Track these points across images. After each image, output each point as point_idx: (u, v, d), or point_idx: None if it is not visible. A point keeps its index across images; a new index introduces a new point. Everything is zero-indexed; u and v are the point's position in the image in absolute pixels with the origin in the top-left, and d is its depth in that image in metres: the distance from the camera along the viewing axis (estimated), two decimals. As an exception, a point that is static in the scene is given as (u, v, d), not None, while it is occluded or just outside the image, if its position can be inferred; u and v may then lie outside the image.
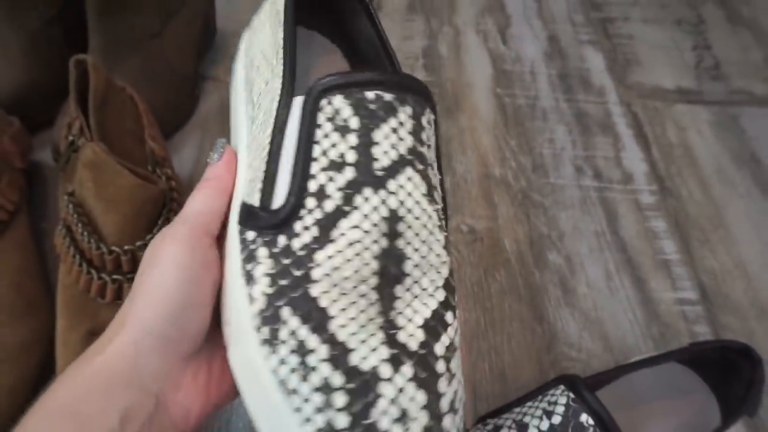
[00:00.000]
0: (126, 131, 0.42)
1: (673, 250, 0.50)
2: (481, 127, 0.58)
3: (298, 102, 0.25)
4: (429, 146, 0.26)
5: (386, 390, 0.22)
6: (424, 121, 0.25)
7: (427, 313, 0.24)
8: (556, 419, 0.31)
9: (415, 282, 0.24)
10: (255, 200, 0.25)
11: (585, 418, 0.31)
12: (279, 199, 0.24)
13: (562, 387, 0.33)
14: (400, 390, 0.22)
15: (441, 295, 0.24)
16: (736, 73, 0.65)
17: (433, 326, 0.24)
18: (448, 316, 0.24)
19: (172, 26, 0.54)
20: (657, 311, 0.46)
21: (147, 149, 0.42)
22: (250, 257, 0.24)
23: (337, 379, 0.22)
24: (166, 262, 0.24)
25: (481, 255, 0.49)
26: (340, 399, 0.21)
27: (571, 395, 0.32)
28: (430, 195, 0.25)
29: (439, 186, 0.27)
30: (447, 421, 0.22)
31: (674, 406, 0.39)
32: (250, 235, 0.24)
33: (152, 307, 0.23)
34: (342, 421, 0.21)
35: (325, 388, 0.21)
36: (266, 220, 0.24)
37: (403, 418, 0.21)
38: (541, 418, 0.32)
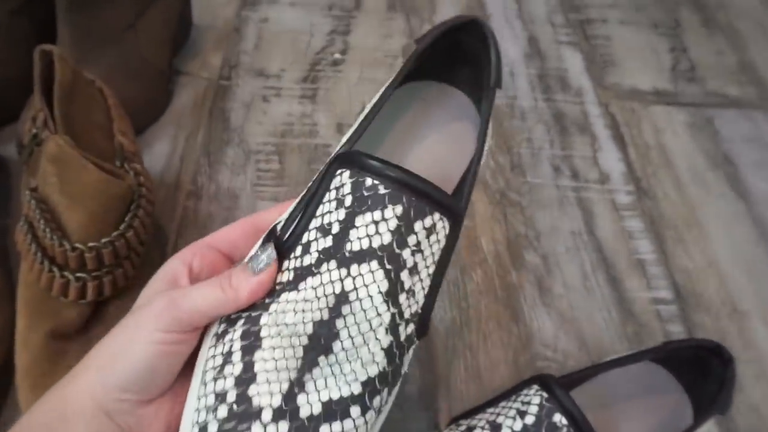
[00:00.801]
0: (94, 125, 0.41)
1: (648, 250, 0.50)
2: (460, 126, 0.58)
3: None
4: (416, 251, 0.27)
5: (255, 430, 0.24)
6: (417, 226, 0.26)
7: (335, 396, 0.25)
8: (530, 419, 0.31)
9: (338, 363, 0.26)
10: (279, 224, 0.29)
11: (558, 417, 0.31)
12: (288, 234, 0.28)
13: (535, 387, 0.32)
14: None
15: (357, 388, 0.26)
16: (711, 75, 0.66)
17: (333, 411, 0.25)
18: (354, 411, 0.26)
19: (147, 18, 0.53)
20: (632, 310, 0.47)
21: (116, 144, 0.41)
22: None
23: (231, 396, 0.25)
24: (145, 332, 0.25)
25: (458, 254, 0.49)
26: (221, 411, 0.25)
27: (545, 395, 0.32)
28: (391, 296, 0.26)
29: (421, 293, 0.28)
30: None
31: (648, 406, 0.39)
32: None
33: (121, 367, 0.25)
34: (212, 428, 0.24)
35: (220, 397, 0.25)
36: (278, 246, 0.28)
37: None
38: (514, 418, 0.31)
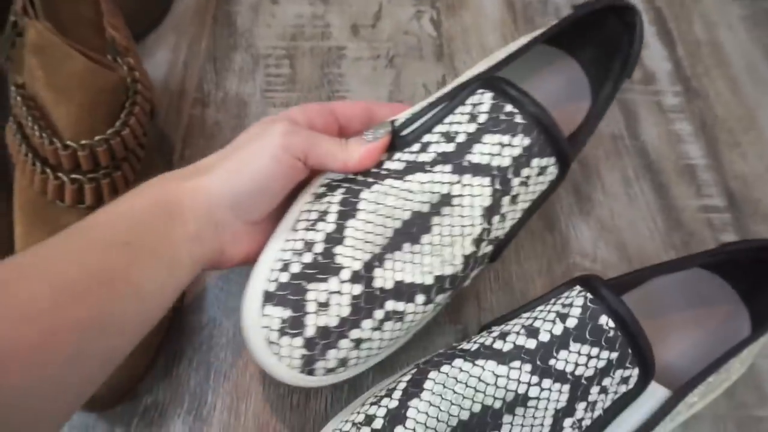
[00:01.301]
0: (80, 18, 0.37)
1: (698, 155, 0.45)
2: (487, 25, 0.52)
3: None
4: (523, 184, 0.29)
5: (332, 283, 0.28)
6: (534, 162, 0.29)
7: (408, 279, 0.28)
8: (572, 322, 0.28)
9: (421, 254, 0.28)
10: (397, 121, 0.32)
11: (605, 320, 0.27)
12: (408, 131, 0.31)
13: (578, 288, 0.29)
14: (338, 292, 0.28)
15: (429, 280, 0.28)
16: (774, -36, 0.58)
17: (402, 291, 0.28)
18: (419, 298, 0.28)
19: None
20: (680, 219, 0.42)
21: (107, 38, 0.37)
22: None
23: (318, 247, 0.28)
24: (268, 146, 0.28)
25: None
26: (306, 257, 0.28)
27: (589, 296, 0.28)
28: (488, 213, 0.29)
29: (510, 223, 0.31)
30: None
31: (699, 316, 0.36)
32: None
33: (239, 176, 0.27)
34: (294, 268, 0.28)
35: (308, 245, 0.28)
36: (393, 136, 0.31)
37: (323, 305, 0.27)
38: (554, 322, 0.28)
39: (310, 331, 0.27)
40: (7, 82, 0.41)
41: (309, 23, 0.51)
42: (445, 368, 0.28)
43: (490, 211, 0.29)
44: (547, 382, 0.27)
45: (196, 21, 0.51)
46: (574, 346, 0.27)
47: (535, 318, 0.29)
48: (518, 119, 0.29)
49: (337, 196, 0.30)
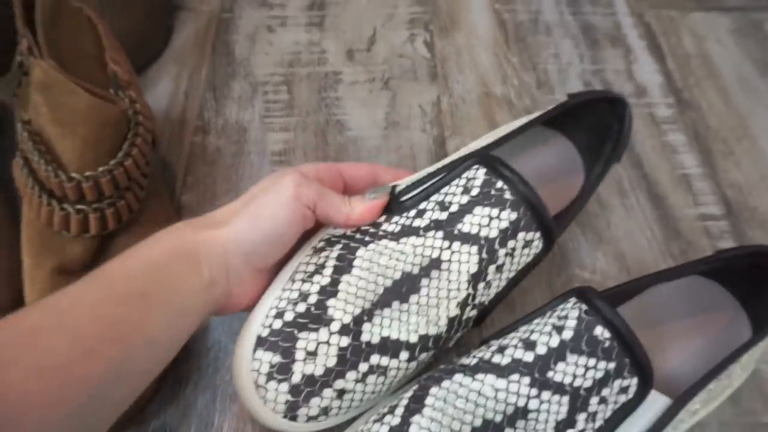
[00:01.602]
0: (83, 54, 0.38)
1: (693, 164, 0.46)
2: (480, 45, 0.53)
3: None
4: (509, 255, 0.31)
5: (321, 333, 0.29)
6: (520, 235, 0.31)
7: (394, 336, 0.30)
8: (567, 334, 0.28)
9: (408, 312, 0.30)
10: (399, 187, 0.34)
11: (600, 330, 0.27)
12: (407, 197, 0.33)
13: (573, 299, 0.29)
14: (326, 342, 0.29)
15: (414, 338, 0.30)
16: (759, -24, 0.60)
17: (387, 347, 0.29)
18: (403, 355, 0.30)
19: (139, -49, 0.49)
20: (677, 228, 0.43)
21: (109, 72, 0.38)
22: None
23: (312, 299, 0.30)
24: (282, 195, 0.29)
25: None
26: (300, 307, 0.30)
27: (584, 307, 0.28)
28: (474, 279, 0.31)
29: (494, 290, 0.32)
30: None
31: (699, 323, 0.36)
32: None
33: (256, 225, 0.29)
34: (288, 317, 0.30)
35: (302, 296, 0.30)
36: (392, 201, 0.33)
37: (311, 354, 0.29)
38: (550, 335, 0.28)
39: (296, 378, 0.28)
40: (14, 119, 0.42)
41: (305, 50, 0.53)
42: (445, 383, 0.28)
43: (476, 278, 0.31)
44: (546, 395, 0.27)
45: (196, 51, 0.52)
46: (571, 358, 0.27)
47: (532, 331, 0.29)
48: (507, 195, 0.31)
49: (335, 251, 0.31)
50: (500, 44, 0.53)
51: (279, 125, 0.48)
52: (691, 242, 0.42)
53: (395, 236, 0.31)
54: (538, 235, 0.32)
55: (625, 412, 0.28)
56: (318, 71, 0.51)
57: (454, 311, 0.31)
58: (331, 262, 0.31)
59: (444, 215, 0.31)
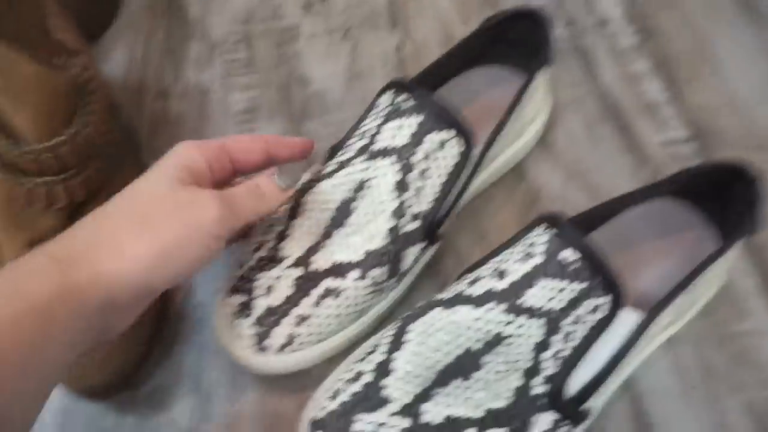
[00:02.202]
0: (27, 23, 0.37)
1: (658, 91, 0.46)
2: (440, -12, 0.52)
3: None
4: (426, 156, 0.32)
5: (277, 270, 0.32)
6: (431, 136, 0.32)
7: (340, 259, 0.32)
8: (538, 259, 0.28)
9: (347, 235, 0.32)
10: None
11: (569, 252, 0.28)
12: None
13: (543, 226, 0.30)
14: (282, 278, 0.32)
15: (360, 256, 0.32)
16: None
17: (336, 270, 0.32)
18: (353, 274, 0.32)
19: None
20: (645, 155, 0.43)
21: (55, 41, 0.37)
22: None
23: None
24: (199, 235, 0.26)
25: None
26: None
27: (552, 231, 0.29)
28: (398, 187, 0.32)
29: (428, 197, 0.33)
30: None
31: (672, 243, 0.37)
32: None
33: (163, 265, 0.25)
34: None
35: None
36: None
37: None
38: (521, 261, 0.29)
39: None
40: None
41: (260, 5, 0.51)
42: (424, 318, 0.29)
43: (400, 187, 0.32)
44: (521, 319, 0.28)
45: (149, 15, 0.51)
46: (542, 282, 0.28)
47: (504, 260, 0.30)
48: (410, 103, 0.33)
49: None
50: (460, -15, 0.52)
51: (240, 84, 0.47)
52: (660, 168, 0.42)
53: (332, 173, 0.33)
54: (452, 132, 0.33)
55: (599, 329, 0.29)
56: (275, 26, 0.50)
57: (391, 222, 0.32)
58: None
59: (365, 141, 0.33)
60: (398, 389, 0.27)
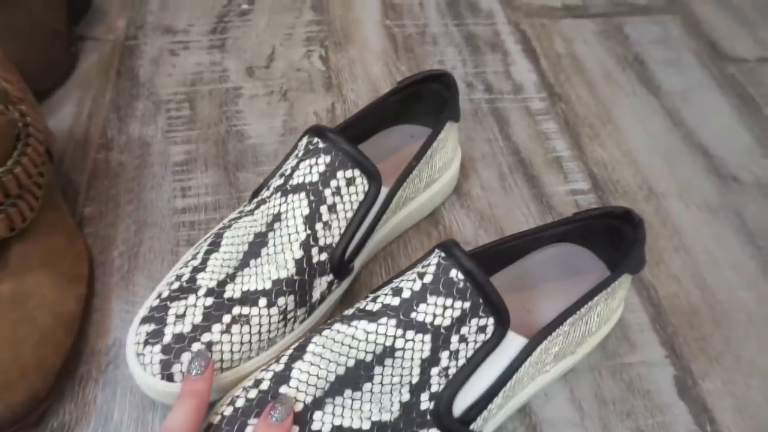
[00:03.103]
0: (-24, 74, 0.40)
1: (564, 148, 0.51)
2: (371, 57, 0.58)
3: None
4: (336, 194, 0.35)
5: (190, 299, 0.33)
6: (339, 174, 0.35)
7: (251, 287, 0.34)
8: (428, 278, 0.31)
9: (261, 265, 0.34)
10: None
11: (455, 273, 0.31)
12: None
13: (436, 251, 0.33)
14: (194, 304, 0.33)
15: (268, 285, 0.34)
16: (618, -14, 0.67)
17: (248, 299, 0.33)
18: (261, 302, 0.33)
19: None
20: (551, 203, 0.47)
21: (0, 90, 0.40)
22: None
23: (185, 277, 0.34)
24: None
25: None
26: (175, 285, 0.34)
27: (443, 254, 0.32)
28: (309, 220, 0.35)
29: (337, 230, 0.36)
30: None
31: (570, 285, 0.39)
32: None
33: None
34: (164, 293, 0.34)
35: (177, 277, 0.35)
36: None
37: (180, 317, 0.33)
38: (414, 281, 0.31)
39: None
40: None
41: (207, 69, 0.56)
42: (325, 332, 0.31)
43: (310, 219, 0.35)
44: (410, 334, 0.30)
45: (101, 76, 0.55)
46: (431, 299, 0.30)
47: (401, 280, 0.32)
48: (320, 145, 0.36)
49: (209, 239, 0.37)
50: (390, 55, 0.58)
51: (181, 138, 0.50)
52: (562, 214, 0.46)
53: (250, 212, 0.36)
54: (357, 171, 0.36)
55: (485, 351, 0.30)
56: (219, 88, 0.54)
57: (299, 253, 0.34)
58: (204, 247, 0.36)
59: (281, 180, 0.36)
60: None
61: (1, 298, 0.35)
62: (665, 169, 0.50)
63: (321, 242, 0.35)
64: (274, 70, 0.56)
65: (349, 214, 0.36)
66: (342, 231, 0.36)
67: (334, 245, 0.36)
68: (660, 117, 0.54)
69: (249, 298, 0.33)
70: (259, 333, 0.33)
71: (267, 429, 0.27)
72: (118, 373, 0.37)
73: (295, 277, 0.34)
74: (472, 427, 0.31)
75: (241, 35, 0.59)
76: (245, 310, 0.33)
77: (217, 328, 0.32)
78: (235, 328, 0.32)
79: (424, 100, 0.45)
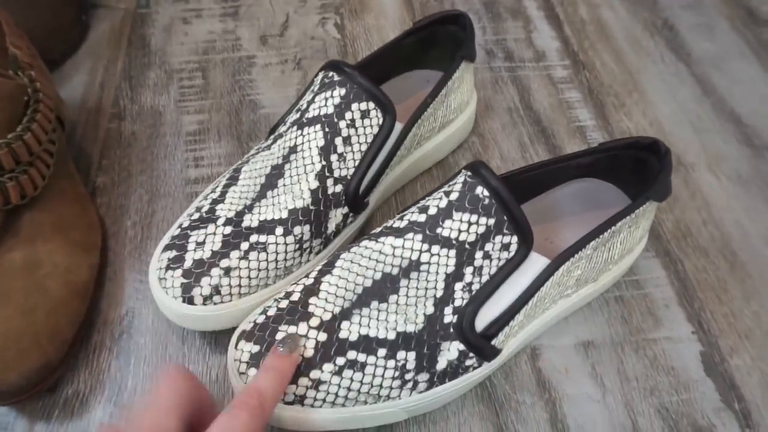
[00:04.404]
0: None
1: (588, 117, 0.49)
2: (388, 24, 0.56)
3: None
4: (350, 126, 0.35)
5: (209, 228, 0.34)
6: (354, 106, 0.35)
7: (269, 217, 0.34)
8: (454, 196, 0.31)
9: (278, 195, 0.35)
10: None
11: (480, 190, 0.31)
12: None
13: (463, 171, 0.33)
14: (214, 233, 0.34)
15: (284, 214, 0.34)
16: (647, -51, 0.64)
17: (265, 227, 0.34)
18: (278, 230, 0.34)
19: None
20: (573, 174, 0.45)
21: (9, 55, 0.39)
22: None
23: (204, 208, 0.35)
24: None
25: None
26: (195, 216, 0.35)
27: (469, 173, 0.32)
28: (323, 150, 0.35)
29: (351, 162, 0.36)
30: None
31: (594, 216, 0.38)
32: None
33: None
34: (185, 223, 0.35)
35: (197, 209, 0.36)
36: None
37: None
38: (440, 199, 0.32)
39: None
40: None
41: (220, 38, 0.54)
42: (353, 249, 0.32)
43: (325, 151, 0.35)
44: (435, 248, 0.30)
45: (112, 45, 0.54)
46: (456, 215, 0.30)
47: (428, 199, 0.33)
48: (335, 78, 0.35)
49: (226, 175, 0.37)
50: (407, 22, 0.56)
51: (194, 108, 0.49)
52: (586, 186, 0.44)
53: (269, 145, 0.37)
54: (372, 104, 0.35)
55: (509, 269, 0.31)
56: (232, 57, 0.53)
57: (314, 183, 0.34)
58: (222, 181, 0.37)
59: (298, 114, 0.36)
60: (320, 308, 0.30)
61: (13, 266, 0.35)
62: (694, 139, 0.48)
63: (336, 174, 0.35)
64: (287, 39, 0.55)
65: (364, 147, 0.36)
66: (356, 163, 0.36)
67: (348, 177, 0.36)
68: (690, 85, 0.52)
69: (266, 227, 0.34)
70: (276, 261, 0.34)
71: (277, 359, 0.28)
72: (132, 343, 0.37)
73: (311, 207, 0.34)
74: (493, 342, 0.31)
75: (254, 3, 0.58)
76: (262, 238, 0.33)
77: (235, 254, 0.33)
78: (253, 255, 0.33)
79: (441, 43, 0.44)
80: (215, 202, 0.35)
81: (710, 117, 0.49)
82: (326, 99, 0.35)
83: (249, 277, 0.33)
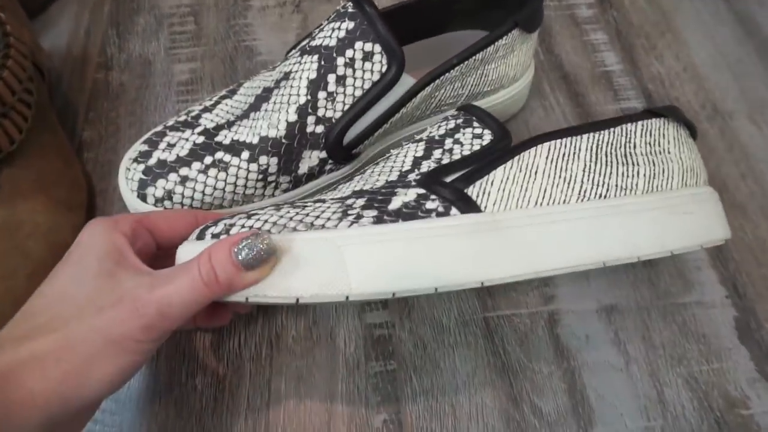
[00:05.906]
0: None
1: (614, 61, 0.45)
2: (396, -39, 0.51)
3: None
4: (348, 65, 0.32)
5: (185, 133, 0.34)
6: (357, 44, 0.32)
7: (242, 138, 0.33)
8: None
9: (257, 119, 0.33)
10: None
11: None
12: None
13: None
14: (187, 138, 0.33)
15: (255, 139, 0.32)
16: None
17: (236, 148, 0.32)
18: (244, 154, 0.32)
19: None
20: (597, 124, 0.41)
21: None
22: None
23: (192, 115, 0.35)
24: (123, 350, 0.23)
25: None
26: (172, 122, 0.35)
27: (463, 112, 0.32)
28: (312, 84, 0.32)
29: (340, 105, 0.32)
30: None
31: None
32: None
33: (79, 386, 0.23)
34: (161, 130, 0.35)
35: (185, 114, 0.35)
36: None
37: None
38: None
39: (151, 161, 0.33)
40: None
41: (213, -21, 0.50)
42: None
43: (314, 85, 0.32)
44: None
45: (98, -11, 0.50)
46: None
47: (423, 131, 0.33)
48: (349, 9, 0.32)
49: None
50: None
51: (185, 56, 0.45)
52: (611, 137, 0.41)
53: (273, 68, 0.36)
54: (378, 47, 0.31)
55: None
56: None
57: (293, 116, 0.32)
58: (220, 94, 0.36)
59: (306, 40, 0.35)
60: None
61: (-10, 227, 0.32)
62: (734, 85, 0.43)
63: (320, 113, 0.32)
64: (286, -22, 0.50)
65: (358, 92, 0.32)
66: (345, 107, 0.32)
67: (333, 120, 0.33)
68: (730, 25, 0.47)
69: (235, 148, 0.32)
70: (235, 185, 0.33)
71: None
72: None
73: (283, 141, 0.32)
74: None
75: (250, -60, 0.53)
76: (227, 158, 0.32)
77: (196, 165, 0.32)
78: (212, 172, 0.32)
79: (507, 2, 0.37)
80: (206, 110, 0.35)
81: (753, 60, 0.45)
82: (333, 30, 0.32)
83: (203, 192, 0.32)
